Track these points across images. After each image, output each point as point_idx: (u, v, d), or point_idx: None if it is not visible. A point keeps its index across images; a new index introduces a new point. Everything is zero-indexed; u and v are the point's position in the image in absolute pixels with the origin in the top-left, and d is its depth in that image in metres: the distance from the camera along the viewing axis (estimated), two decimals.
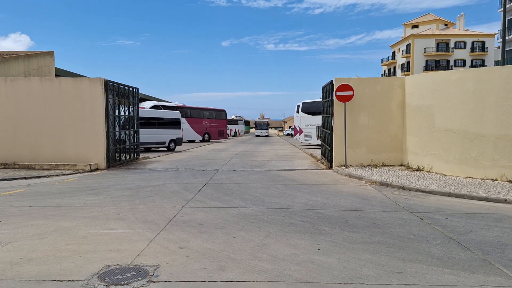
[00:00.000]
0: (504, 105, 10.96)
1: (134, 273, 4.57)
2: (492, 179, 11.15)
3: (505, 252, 5.35)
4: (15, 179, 12.20)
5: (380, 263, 4.91)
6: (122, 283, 4.29)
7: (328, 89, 16.01)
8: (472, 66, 68.10)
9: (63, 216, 7.31)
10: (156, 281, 4.34)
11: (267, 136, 67.93)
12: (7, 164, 14.62)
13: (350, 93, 14.34)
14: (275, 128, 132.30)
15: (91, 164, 14.39)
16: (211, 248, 5.50)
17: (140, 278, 4.41)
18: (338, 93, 14.45)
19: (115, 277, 4.43)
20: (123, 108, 16.78)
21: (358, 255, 5.22)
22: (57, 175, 13.11)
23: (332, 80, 15.13)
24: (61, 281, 4.36)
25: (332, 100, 15.00)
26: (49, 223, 6.84)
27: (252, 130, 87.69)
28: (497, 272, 4.63)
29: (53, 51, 22.42)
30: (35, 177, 12.55)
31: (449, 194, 9.41)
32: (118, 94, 16.06)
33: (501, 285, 4.26)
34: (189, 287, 4.19)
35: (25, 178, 12.39)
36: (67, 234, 6.17)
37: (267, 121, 75.50)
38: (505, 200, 8.65)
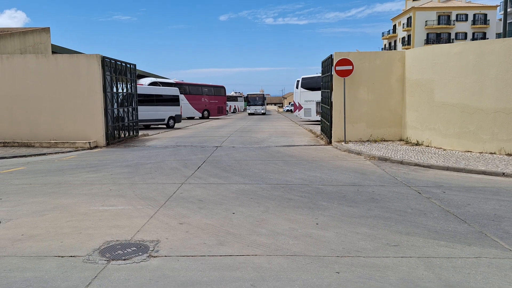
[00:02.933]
0: (504, 78, 10.87)
1: (134, 248, 4.63)
2: (491, 153, 11.18)
3: (501, 224, 5.40)
4: (15, 157, 12.23)
5: (377, 237, 4.97)
6: (123, 258, 4.35)
7: (327, 64, 15.85)
8: (473, 39, 67.29)
9: (63, 193, 7.36)
10: (156, 256, 4.40)
11: (263, 114, 54.35)
12: (6, 142, 14.62)
13: (350, 67, 14.21)
14: (275, 104, 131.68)
15: (90, 142, 14.39)
16: (210, 223, 5.55)
17: (140, 253, 4.47)
18: (338, 68, 14.32)
19: (116, 253, 4.49)
20: (121, 85, 16.66)
21: (355, 229, 5.28)
22: (56, 152, 13.13)
23: (331, 55, 14.96)
24: (62, 256, 4.42)
25: (331, 75, 14.87)
26: (49, 200, 6.89)
27: None
28: (492, 244, 4.69)
29: (49, 28, 22.07)
30: (34, 155, 12.57)
31: (448, 168, 9.45)
32: (116, 71, 15.91)
33: (497, 257, 4.32)
34: (189, 262, 4.25)
35: (24, 156, 12.41)
36: (68, 211, 6.23)
37: (263, 95, 58.17)
38: (503, 174, 8.69)
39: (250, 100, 55.89)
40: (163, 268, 4.10)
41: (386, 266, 4.10)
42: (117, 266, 4.15)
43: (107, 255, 4.42)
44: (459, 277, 3.85)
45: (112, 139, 15.45)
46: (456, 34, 69.06)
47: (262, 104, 54.99)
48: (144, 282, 3.79)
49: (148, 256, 4.40)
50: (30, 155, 12.51)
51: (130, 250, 4.56)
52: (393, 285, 3.69)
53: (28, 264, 4.24)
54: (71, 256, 4.43)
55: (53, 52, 22.36)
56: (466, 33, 68.71)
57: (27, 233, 5.19)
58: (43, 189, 7.77)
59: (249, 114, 54.75)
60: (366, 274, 3.93)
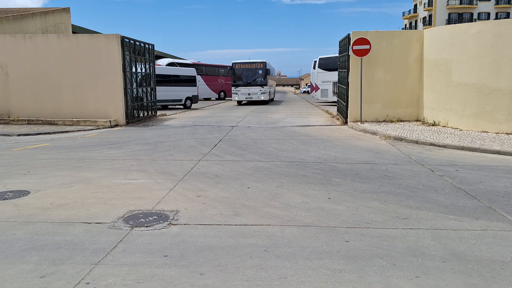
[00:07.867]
0: None
1: (156, 217, 4.92)
2: (507, 133, 11.12)
3: (510, 200, 5.51)
4: (39, 134, 12.69)
5: (388, 210, 5.15)
6: (146, 225, 4.64)
7: (344, 44, 15.79)
8: (497, 19, 65.28)
9: (87, 168, 7.71)
10: (176, 224, 4.68)
11: (265, 102, 30.22)
12: (30, 120, 15.11)
13: (367, 47, 14.14)
14: (292, 85, 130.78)
15: (110, 120, 14.78)
16: (226, 196, 5.81)
17: (161, 221, 4.76)
18: (355, 47, 14.26)
19: (139, 220, 4.79)
20: (140, 65, 16.93)
21: (366, 203, 5.46)
22: (78, 130, 13.56)
23: (349, 34, 14.89)
24: (89, 223, 4.73)
25: (348, 55, 14.84)
26: (74, 173, 7.24)
27: None
28: (500, 218, 4.82)
29: (69, 8, 22.40)
30: (57, 132, 13.01)
31: (462, 148, 9.49)
32: (135, 51, 16.16)
33: (503, 229, 4.46)
34: (206, 229, 4.52)
35: (48, 133, 12.86)
36: (92, 183, 6.56)
37: (265, 64, 29.32)
38: None
39: (237, 74, 29.73)
40: (182, 234, 4.38)
41: (394, 237, 4.29)
42: (140, 232, 4.44)
43: (130, 223, 4.72)
44: (464, 246, 4.02)
45: (131, 118, 15.81)
46: (479, 14, 67.06)
47: (262, 84, 29.27)
48: (165, 246, 4.07)
49: (168, 224, 4.68)
50: (54, 132, 12.96)
51: (152, 219, 4.85)
52: (399, 253, 3.88)
53: (58, 229, 4.57)
54: (97, 223, 4.75)
55: (73, 32, 22.73)
56: (489, 13, 66.66)
57: (56, 203, 5.54)
58: (68, 163, 8.14)
59: (238, 103, 30.97)
60: (374, 243, 4.13)
